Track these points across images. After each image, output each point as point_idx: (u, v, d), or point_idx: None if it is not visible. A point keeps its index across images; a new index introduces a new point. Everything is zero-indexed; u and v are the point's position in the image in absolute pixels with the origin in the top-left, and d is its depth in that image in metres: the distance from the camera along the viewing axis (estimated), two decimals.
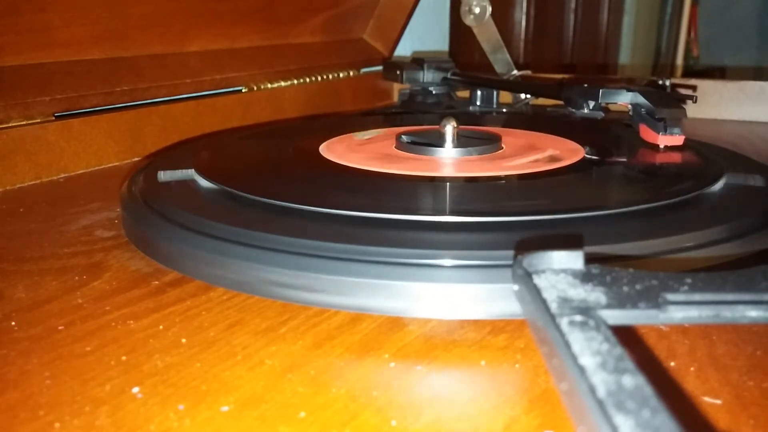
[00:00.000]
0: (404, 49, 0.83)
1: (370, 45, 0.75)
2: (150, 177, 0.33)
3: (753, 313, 0.16)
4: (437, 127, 0.37)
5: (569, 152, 0.36)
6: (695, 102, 0.47)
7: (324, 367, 0.20)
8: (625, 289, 0.17)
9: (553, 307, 0.16)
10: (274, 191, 0.28)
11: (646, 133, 0.38)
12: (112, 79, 0.48)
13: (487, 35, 0.60)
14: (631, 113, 0.41)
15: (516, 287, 0.18)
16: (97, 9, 0.46)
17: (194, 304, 0.24)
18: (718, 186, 0.30)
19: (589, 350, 0.14)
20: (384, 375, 0.19)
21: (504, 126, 0.46)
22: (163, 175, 0.32)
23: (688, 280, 0.17)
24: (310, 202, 0.27)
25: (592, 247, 0.23)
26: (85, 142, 0.45)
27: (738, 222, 0.25)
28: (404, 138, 0.38)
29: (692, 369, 0.19)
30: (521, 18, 1.26)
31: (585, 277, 0.17)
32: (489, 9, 0.58)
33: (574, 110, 0.44)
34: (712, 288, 0.17)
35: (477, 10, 0.58)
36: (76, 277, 0.26)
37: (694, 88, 0.62)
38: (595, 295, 0.16)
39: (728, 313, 0.16)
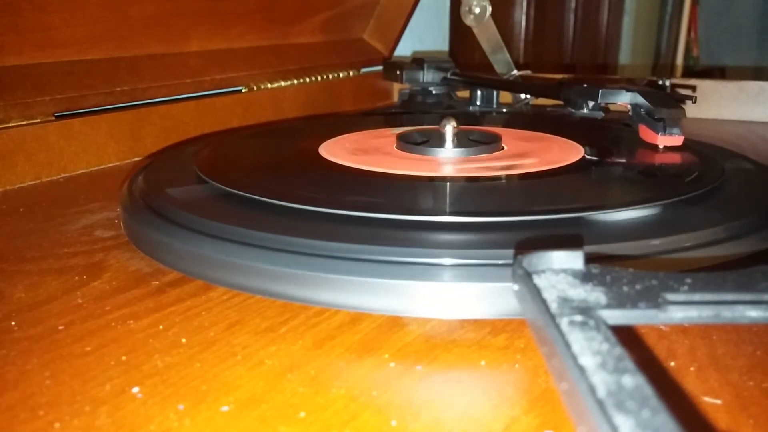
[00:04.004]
0: (404, 49, 0.83)
1: (370, 45, 0.75)
2: (150, 177, 0.33)
3: (753, 313, 0.16)
4: (437, 127, 0.37)
5: (569, 152, 0.36)
6: (695, 102, 0.47)
7: (324, 367, 0.20)
8: (625, 289, 0.17)
9: (553, 307, 0.16)
10: (274, 191, 0.28)
11: (646, 133, 0.38)
12: (112, 79, 0.48)
13: (487, 35, 0.60)
14: (630, 113, 0.41)
15: (516, 287, 0.18)
16: (97, 9, 0.46)
17: (194, 304, 0.24)
18: (718, 186, 0.30)
19: (589, 350, 0.14)
20: (384, 375, 0.19)
21: (504, 126, 0.46)
22: (173, 192, 0.30)
23: (688, 280, 0.17)
24: (309, 202, 0.27)
25: (592, 247, 0.23)
26: (85, 142, 0.45)
27: (738, 222, 0.25)
28: (404, 138, 0.38)
29: (692, 369, 0.19)
30: (521, 18, 1.26)
31: (585, 277, 0.17)
32: (489, 9, 0.58)
33: (573, 110, 0.44)
34: (712, 288, 0.17)
35: (477, 10, 0.58)
36: (76, 277, 0.26)
37: (693, 88, 0.62)
38: (595, 295, 0.16)
39: (728, 313, 0.16)
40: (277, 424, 0.17)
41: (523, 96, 0.59)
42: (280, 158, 0.37)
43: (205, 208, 0.28)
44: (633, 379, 0.13)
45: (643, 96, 0.39)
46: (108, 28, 0.47)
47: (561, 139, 0.40)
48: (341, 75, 0.69)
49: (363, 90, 0.72)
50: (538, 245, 0.19)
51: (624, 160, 0.36)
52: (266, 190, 0.28)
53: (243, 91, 0.58)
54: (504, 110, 0.60)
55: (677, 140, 0.37)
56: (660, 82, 0.53)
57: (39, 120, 0.43)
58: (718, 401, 0.18)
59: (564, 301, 0.16)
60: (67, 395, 0.18)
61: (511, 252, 0.22)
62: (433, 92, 0.62)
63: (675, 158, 0.36)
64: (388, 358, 0.20)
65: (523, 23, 1.26)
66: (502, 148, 0.37)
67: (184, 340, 0.21)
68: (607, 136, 0.42)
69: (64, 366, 0.20)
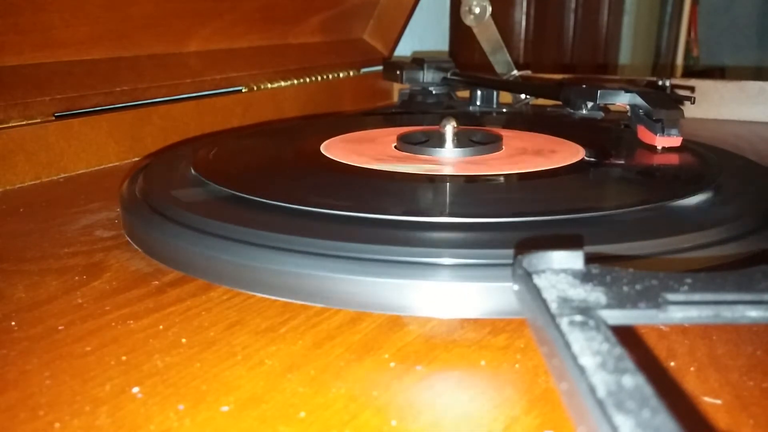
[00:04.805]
0: (404, 49, 0.83)
1: (370, 45, 0.75)
2: (150, 176, 0.33)
3: (753, 313, 0.16)
4: (437, 127, 0.37)
5: (568, 153, 0.36)
6: (693, 103, 0.47)
7: (324, 367, 0.20)
8: (625, 289, 0.17)
9: (553, 307, 0.16)
10: (275, 191, 0.28)
11: (644, 134, 0.38)
12: (112, 79, 0.48)
13: (487, 35, 0.60)
14: (629, 114, 0.41)
15: (516, 287, 0.18)
16: (97, 9, 0.46)
17: (194, 304, 0.24)
18: (717, 187, 0.30)
19: (589, 350, 0.14)
20: (384, 375, 0.19)
21: (504, 126, 0.46)
22: (177, 194, 0.30)
23: (688, 280, 0.17)
24: (310, 202, 0.27)
25: (592, 247, 0.23)
26: (85, 142, 0.45)
27: (737, 222, 0.25)
28: (404, 138, 0.38)
29: (692, 369, 0.19)
30: (521, 18, 1.26)
31: (585, 277, 0.17)
32: (489, 9, 0.58)
33: (573, 111, 0.44)
34: (712, 288, 0.17)
35: (477, 10, 0.58)
36: (76, 277, 0.26)
37: (692, 89, 0.62)
38: (595, 295, 0.16)
39: (728, 313, 0.16)
40: (277, 424, 0.17)
41: (523, 96, 0.59)
42: (280, 158, 0.37)
43: (206, 208, 0.28)
44: (633, 379, 0.13)
45: (641, 97, 0.39)
46: (108, 28, 0.47)
47: (560, 139, 0.40)
48: (341, 75, 0.69)
49: (363, 90, 0.72)
50: (538, 245, 0.19)
51: (623, 161, 0.36)
52: (267, 189, 0.28)
53: (243, 91, 0.58)
54: (504, 110, 0.60)
55: (675, 141, 0.37)
56: (660, 83, 0.53)
57: (39, 120, 0.43)
58: (718, 401, 0.18)
59: (564, 301, 0.16)
60: (67, 395, 0.18)
61: (511, 252, 0.22)
62: (433, 92, 0.62)
63: (673, 159, 0.36)
64: (388, 358, 0.20)
65: (523, 23, 1.26)
66: (502, 149, 0.37)
67: (184, 340, 0.21)
68: (606, 137, 0.42)
69: (64, 366, 0.20)
